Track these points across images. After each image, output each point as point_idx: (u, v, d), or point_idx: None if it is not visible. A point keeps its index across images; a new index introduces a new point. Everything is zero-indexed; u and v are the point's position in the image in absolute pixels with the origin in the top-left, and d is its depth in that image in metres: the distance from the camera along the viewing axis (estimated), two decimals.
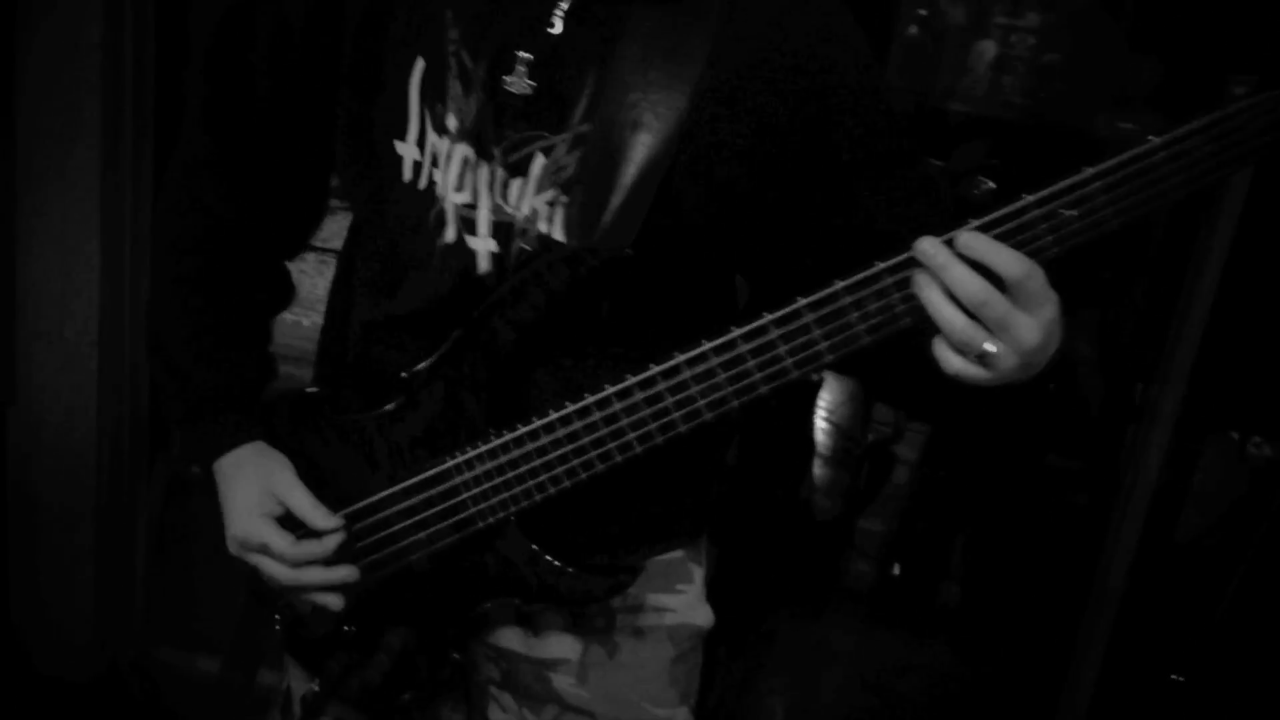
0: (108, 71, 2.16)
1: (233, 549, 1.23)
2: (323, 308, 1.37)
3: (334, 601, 1.20)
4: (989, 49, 5.27)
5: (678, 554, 1.32)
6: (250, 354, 1.31)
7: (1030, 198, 0.95)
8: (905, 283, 0.98)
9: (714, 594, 1.39)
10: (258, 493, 1.21)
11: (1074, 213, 0.94)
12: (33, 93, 2.16)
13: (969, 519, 2.97)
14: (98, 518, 2.44)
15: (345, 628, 1.26)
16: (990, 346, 0.95)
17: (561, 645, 1.29)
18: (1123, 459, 2.66)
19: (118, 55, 2.19)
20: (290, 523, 1.20)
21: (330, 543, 1.18)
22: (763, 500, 2.62)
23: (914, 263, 0.97)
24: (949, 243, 0.95)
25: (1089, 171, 0.93)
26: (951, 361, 0.97)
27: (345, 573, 1.20)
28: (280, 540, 1.18)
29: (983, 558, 2.98)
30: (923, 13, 6.67)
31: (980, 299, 0.94)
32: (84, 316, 2.30)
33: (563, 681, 1.30)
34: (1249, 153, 0.91)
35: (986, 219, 0.96)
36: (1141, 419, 2.60)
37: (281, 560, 1.19)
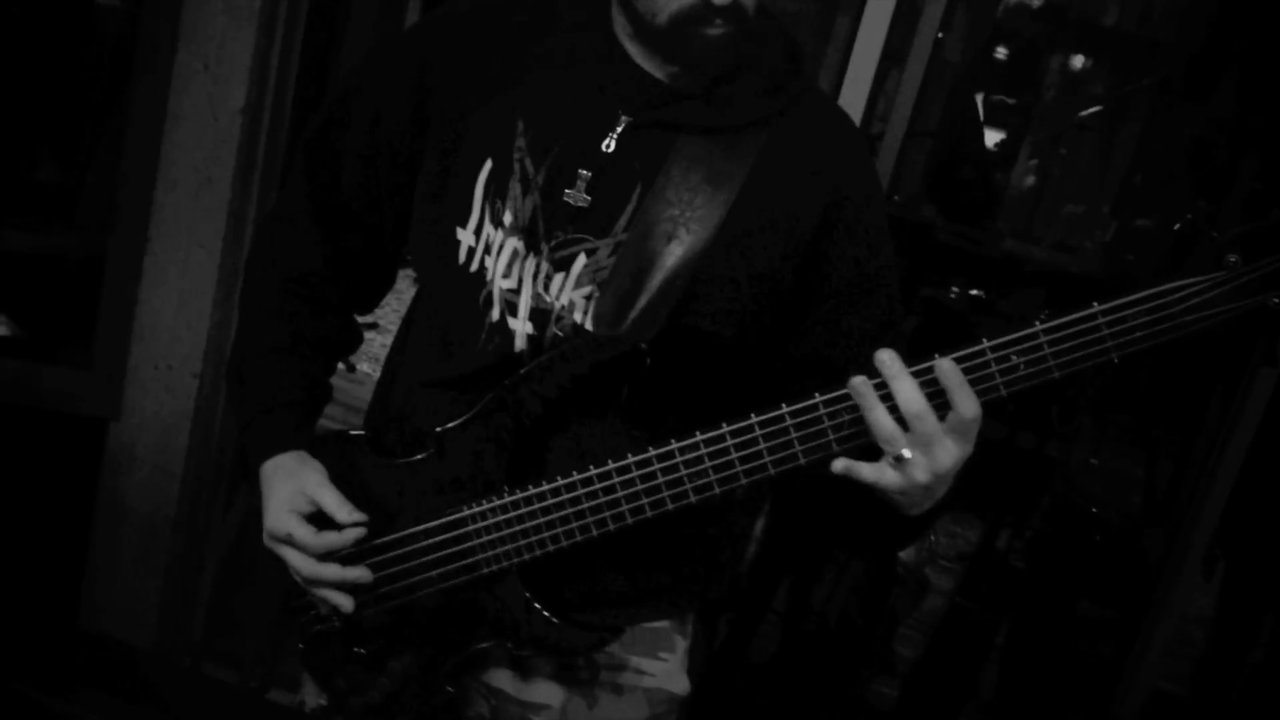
0: (245, 134, 2.41)
1: (266, 542, 1.36)
2: None
3: (345, 603, 1.32)
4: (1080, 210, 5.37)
5: (664, 624, 1.43)
6: (309, 377, 1.44)
7: (988, 343, 1.08)
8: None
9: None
10: (291, 491, 1.34)
11: (1021, 360, 1.06)
12: (178, 149, 2.41)
13: (999, 653, 3.00)
14: (175, 534, 2.64)
15: (356, 650, 1.41)
16: (907, 452, 1.08)
17: (547, 692, 1.41)
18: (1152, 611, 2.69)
19: (256, 119, 2.44)
20: (319, 522, 1.32)
21: (349, 535, 1.30)
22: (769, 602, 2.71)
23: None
24: (929, 369, 1.09)
25: (1039, 326, 1.06)
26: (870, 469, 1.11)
27: (358, 573, 1.31)
28: (303, 531, 1.31)
29: (1011, 692, 2.99)
30: (1033, 162, 6.78)
31: (917, 411, 1.07)
32: (190, 351, 2.52)
33: None
34: (1175, 328, 1.03)
35: (953, 355, 1.09)
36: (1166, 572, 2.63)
37: (304, 550, 1.31)
